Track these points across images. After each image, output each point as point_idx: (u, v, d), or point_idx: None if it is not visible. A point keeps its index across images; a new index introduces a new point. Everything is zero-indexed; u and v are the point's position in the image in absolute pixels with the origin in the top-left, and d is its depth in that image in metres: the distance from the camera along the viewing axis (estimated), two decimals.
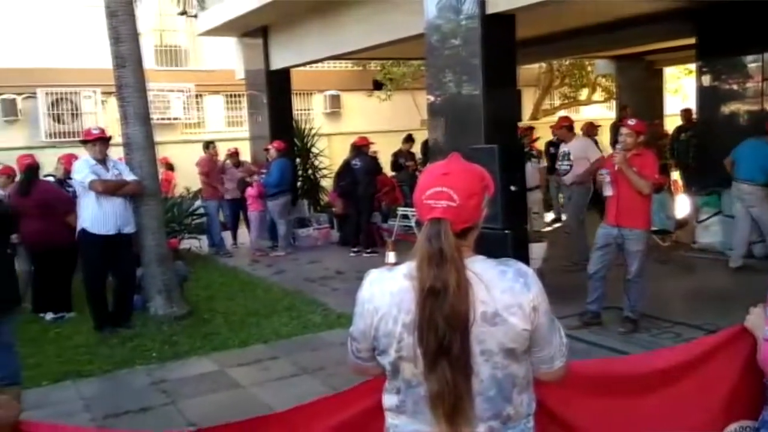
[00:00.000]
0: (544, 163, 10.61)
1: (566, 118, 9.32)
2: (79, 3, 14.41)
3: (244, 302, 7.47)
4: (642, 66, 13.97)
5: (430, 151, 7.75)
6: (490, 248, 1.78)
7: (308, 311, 6.97)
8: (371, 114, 17.64)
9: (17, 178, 7.31)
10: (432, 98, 7.11)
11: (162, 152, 13.43)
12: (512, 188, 6.20)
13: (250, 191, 10.37)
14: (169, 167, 13.50)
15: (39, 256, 7.02)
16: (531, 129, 10.94)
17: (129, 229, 6.49)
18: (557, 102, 20.30)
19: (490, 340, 1.60)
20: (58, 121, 15.50)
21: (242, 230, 11.35)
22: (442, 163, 1.69)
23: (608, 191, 5.75)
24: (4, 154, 13.85)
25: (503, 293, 1.60)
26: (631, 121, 5.82)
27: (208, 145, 11.00)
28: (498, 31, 6.40)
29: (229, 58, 13.88)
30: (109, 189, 6.23)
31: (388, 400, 1.74)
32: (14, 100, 15.15)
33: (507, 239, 6.07)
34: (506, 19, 6.43)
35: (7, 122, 15.17)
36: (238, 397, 4.84)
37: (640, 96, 13.68)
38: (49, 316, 6.93)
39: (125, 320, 6.53)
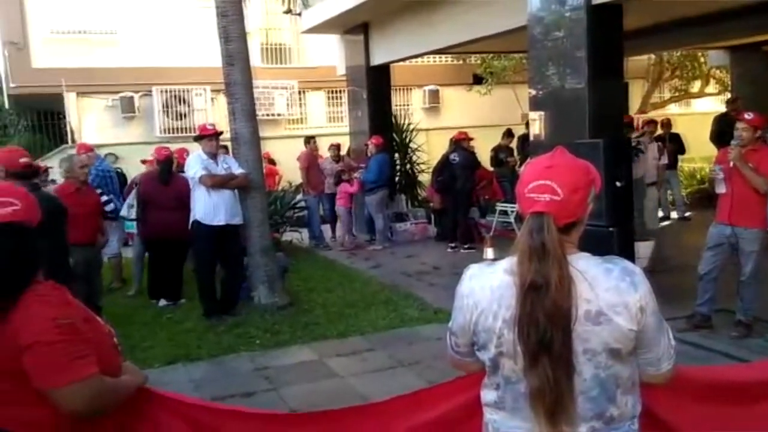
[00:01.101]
0: (665, 159, 10.07)
1: None
2: (191, 4, 15.11)
3: (342, 294, 7.61)
4: (759, 57, 13.11)
5: (531, 146, 7.59)
6: (594, 246, 1.74)
7: (405, 305, 7.02)
8: (470, 109, 17.49)
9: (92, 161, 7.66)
10: (534, 92, 6.97)
11: (265, 147, 13.91)
12: (618, 184, 6.00)
13: (343, 187, 10.53)
14: (271, 162, 13.92)
15: (155, 246, 7.42)
16: (653, 123, 10.41)
17: (237, 220, 6.77)
18: (667, 94, 19.38)
19: (593, 339, 1.56)
20: (171, 118, 16.30)
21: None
22: (547, 156, 1.66)
23: (721, 188, 5.46)
24: (123, 148, 14.84)
25: (608, 292, 1.56)
26: (748, 115, 5.48)
27: (309, 140, 11.26)
28: (604, 21, 6.19)
29: (331, 54, 14.14)
30: (217, 183, 6.51)
31: (487, 395, 1.74)
32: (132, 98, 16.04)
33: (612, 237, 5.88)
34: (613, 9, 6.21)
35: (125, 119, 16.10)
36: (336, 386, 4.95)
37: (757, 88, 12.81)
38: (162, 302, 7.32)
39: (231, 308, 6.81)
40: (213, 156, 6.65)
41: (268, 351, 5.87)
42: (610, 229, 5.89)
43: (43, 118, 17.31)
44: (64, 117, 16.28)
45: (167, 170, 7.38)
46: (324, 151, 11.63)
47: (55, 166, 8.57)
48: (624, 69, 6.92)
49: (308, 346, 5.94)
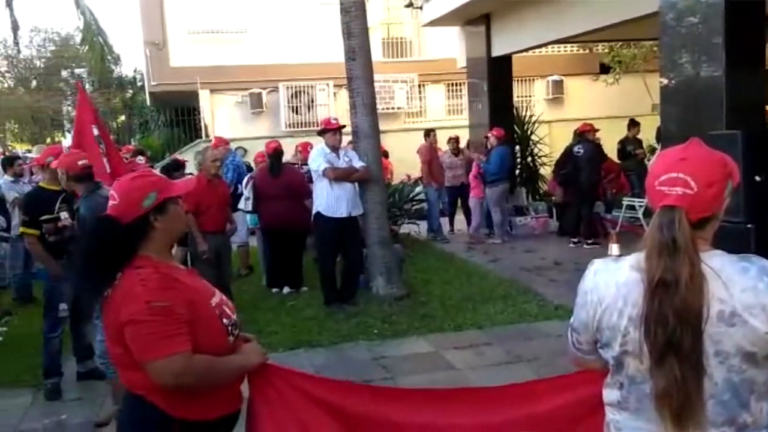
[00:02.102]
0: None
1: None
2: (315, 2, 15.53)
3: (459, 287, 7.59)
4: None
5: (662, 138, 7.22)
6: (730, 243, 1.64)
7: (524, 300, 6.91)
8: (596, 99, 16.87)
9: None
10: (666, 81, 6.62)
11: (384, 141, 14.09)
12: (757, 178, 5.59)
13: (472, 174, 10.45)
14: (384, 155, 14.04)
15: (274, 236, 7.72)
16: None
17: (357, 212, 6.92)
18: None
19: (726, 341, 1.47)
20: (296, 113, 16.88)
21: (459, 217, 11.52)
22: (680, 147, 1.58)
23: None
24: (251, 142, 15.52)
25: (744, 292, 1.47)
26: None
27: (429, 133, 11.29)
28: (743, 5, 5.78)
29: (451, 47, 14.09)
30: (339, 176, 6.68)
31: (610, 394, 1.68)
32: (260, 94, 16.77)
33: (749, 234, 5.49)
34: None
35: (254, 114, 16.84)
36: (452, 379, 4.95)
37: None
38: (286, 290, 7.61)
39: (351, 297, 6.98)
40: (335, 149, 6.83)
41: (386, 341, 5.96)
42: (748, 225, 5.50)
43: (180, 114, 18.45)
44: (199, 113, 17.27)
45: (276, 162, 7.67)
46: (443, 144, 11.62)
47: (190, 160, 9.13)
48: (765, 56, 6.44)
49: (425, 338, 5.98)
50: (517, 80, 14.14)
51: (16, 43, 17.19)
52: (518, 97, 15.09)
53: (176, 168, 7.65)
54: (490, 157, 10.19)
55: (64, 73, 20.85)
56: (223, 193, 6.61)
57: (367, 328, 6.27)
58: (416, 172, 11.96)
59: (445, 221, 11.36)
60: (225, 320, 2.14)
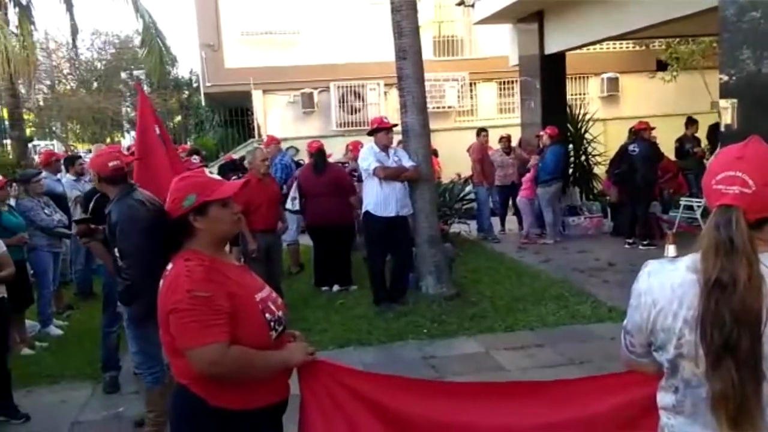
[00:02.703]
0: None
1: None
2: (365, 2, 15.60)
3: (510, 287, 7.51)
4: None
5: (721, 137, 7.01)
6: None
7: (576, 302, 6.79)
8: (652, 97, 16.45)
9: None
10: (726, 77, 6.40)
11: (434, 140, 14.03)
12: None
13: (527, 177, 10.32)
14: (434, 153, 13.96)
15: (319, 233, 7.79)
16: None
17: (407, 211, 6.91)
18: None
19: None
20: (347, 112, 16.98)
21: (510, 217, 11.40)
22: (738, 145, 1.53)
23: None
24: (302, 142, 15.67)
25: None
26: None
27: (481, 132, 11.20)
28: None
29: (503, 45, 13.95)
30: (389, 175, 6.68)
31: (664, 398, 1.64)
32: (311, 94, 16.93)
33: None
34: None
35: (305, 113, 17.02)
36: (502, 380, 4.89)
37: None
38: (336, 287, 7.66)
39: (400, 296, 6.98)
40: (385, 148, 6.84)
41: (435, 340, 5.95)
42: None
43: (234, 114, 18.78)
44: (252, 113, 17.55)
45: (320, 160, 7.81)
46: (495, 143, 11.51)
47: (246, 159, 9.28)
48: None
49: (475, 338, 5.94)
50: (571, 78, 13.89)
51: (75, 46, 17.75)
52: (572, 95, 14.84)
53: (233, 168, 7.82)
54: (545, 157, 10.05)
55: (123, 75, 21.47)
56: (273, 192, 6.71)
57: (417, 327, 6.27)
58: (467, 171, 11.88)
59: (496, 221, 11.25)
60: (268, 315, 2.19)
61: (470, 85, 17.50)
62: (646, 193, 9.51)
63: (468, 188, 11.24)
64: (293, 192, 8.05)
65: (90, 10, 36.50)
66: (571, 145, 11.73)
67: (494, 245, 10.29)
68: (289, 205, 8.03)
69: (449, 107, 17.10)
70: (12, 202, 6.45)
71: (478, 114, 17.59)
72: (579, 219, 10.96)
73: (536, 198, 10.24)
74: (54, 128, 19.90)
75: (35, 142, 20.12)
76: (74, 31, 14.45)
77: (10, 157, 13.81)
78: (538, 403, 2.19)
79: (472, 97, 17.70)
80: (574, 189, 11.71)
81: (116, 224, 3.92)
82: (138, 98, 5.39)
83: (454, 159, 13.91)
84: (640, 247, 9.22)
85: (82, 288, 7.85)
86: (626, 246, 9.44)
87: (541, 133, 10.43)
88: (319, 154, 7.86)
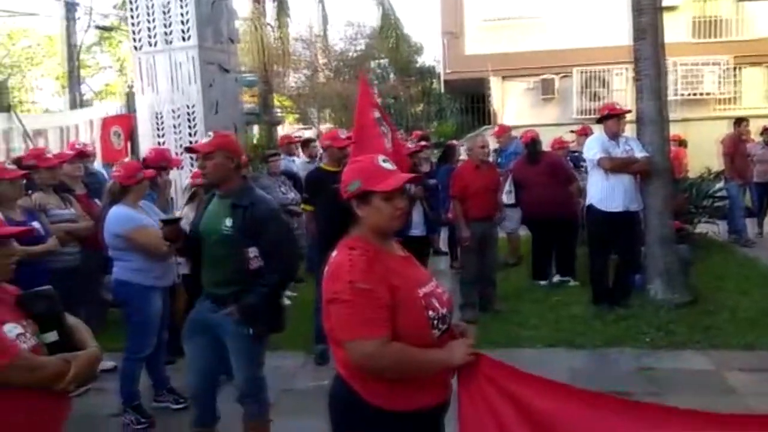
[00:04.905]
0: None
1: None
2: None
3: (759, 299, 6.55)
4: None
5: None
6: None
7: None
8: None
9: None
10: None
11: (687, 129, 12.76)
12: None
13: None
14: (682, 144, 12.65)
15: (538, 225, 7.50)
16: None
17: (635, 207, 6.34)
18: None
19: None
20: (588, 99, 16.17)
21: None
22: None
23: None
24: (538, 130, 15.24)
25: None
26: None
27: (740, 122, 9.93)
28: None
29: None
30: (616, 167, 6.17)
31: None
32: (552, 80, 16.39)
33: None
34: None
35: (543, 100, 16.54)
36: (730, 404, 4.26)
37: None
38: (556, 278, 7.37)
39: (623, 299, 6.43)
40: (615, 137, 6.31)
41: (657, 351, 5.40)
42: None
43: (472, 101, 18.86)
44: (489, 100, 17.48)
45: (534, 150, 7.59)
46: (756, 134, 10.14)
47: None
48: None
49: (705, 354, 5.28)
50: None
51: (326, 37, 19.03)
52: None
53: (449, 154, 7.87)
54: None
55: (372, 64, 22.61)
56: (491, 179, 6.52)
57: (638, 334, 5.72)
58: (719, 164, 10.62)
59: (751, 222, 9.92)
60: (431, 312, 2.08)
61: (734, 69, 15.62)
62: None
63: (719, 185, 10.04)
64: (508, 185, 7.84)
65: (341, 1, 39.01)
66: None
67: (747, 250, 9.09)
68: (504, 198, 7.83)
69: (707, 94, 15.48)
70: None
71: (742, 102, 15.65)
72: None
73: None
74: (311, 114, 21.62)
75: (297, 126, 22.13)
76: (325, 22, 15.53)
77: (252, 141, 15.21)
78: None
79: (735, 83, 15.79)
80: None
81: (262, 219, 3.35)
82: (359, 85, 5.56)
83: (709, 152, 12.52)
84: None
85: (310, 264, 8.38)
86: None
87: None
88: (533, 144, 7.67)
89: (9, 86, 18.57)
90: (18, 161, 5.32)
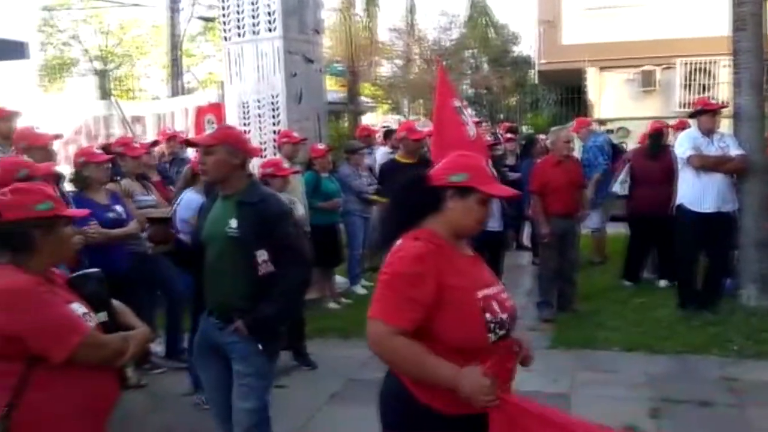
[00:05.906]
0: None
1: None
2: None
3: None
4: None
5: None
6: None
7: None
8: None
9: None
10: None
11: None
12: None
13: None
14: None
15: (640, 223, 7.13)
16: None
17: (728, 207, 6.01)
18: None
19: None
20: (692, 92, 15.35)
21: None
22: None
23: None
24: (634, 123, 14.65)
25: None
26: None
27: None
28: None
29: None
30: (708, 165, 5.85)
31: None
32: (653, 71, 15.64)
33: None
34: None
35: (643, 92, 15.81)
36: None
37: None
38: (663, 282, 7.05)
39: (712, 303, 6.10)
40: (709, 133, 5.98)
41: (744, 360, 5.10)
42: None
43: (568, 92, 18.31)
44: (585, 91, 16.91)
45: (656, 144, 7.07)
46: None
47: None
48: None
49: None
50: None
51: (412, 25, 18.95)
52: None
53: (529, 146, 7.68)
54: None
55: (467, 54, 22.36)
56: (574, 175, 6.31)
57: (725, 341, 5.42)
58: None
59: None
60: (488, 315, 2.02)
61: None
62: None
63: None
64: (623, 174, 7.48)
65: None
66: None
67: None
68: (617, 188, 7.48)
69: None
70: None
71: None
72: None
73: None
74: (402, 105, 21.68)
75: (385, 117, 22.22)
76: (412, 11, 15.46)
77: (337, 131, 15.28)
78: None
79: None
80: None
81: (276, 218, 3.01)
82: (437, 74, 5.51)
83: None
84: None
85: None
86: None
87: None
88: (656, 136, 7.17)
89: (110, 75, 19.60)
90: (106, 147, 5.63)
